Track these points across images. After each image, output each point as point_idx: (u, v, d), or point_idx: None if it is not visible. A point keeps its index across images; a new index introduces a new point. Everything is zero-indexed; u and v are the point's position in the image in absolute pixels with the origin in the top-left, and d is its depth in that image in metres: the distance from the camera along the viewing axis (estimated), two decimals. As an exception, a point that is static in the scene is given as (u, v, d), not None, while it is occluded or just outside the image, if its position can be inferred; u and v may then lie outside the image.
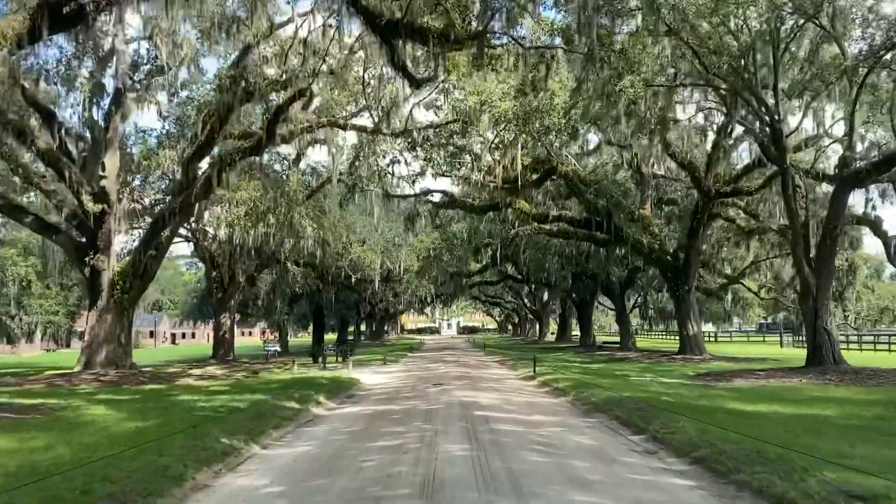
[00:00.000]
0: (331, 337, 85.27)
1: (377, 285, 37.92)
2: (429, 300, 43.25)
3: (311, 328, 55.19)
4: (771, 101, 20.62)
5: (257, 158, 30.27)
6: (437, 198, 30.31)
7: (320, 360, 29.63)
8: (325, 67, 20.60)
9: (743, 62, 20.07)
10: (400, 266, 39.91)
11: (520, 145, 25.60)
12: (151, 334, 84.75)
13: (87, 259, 21.24)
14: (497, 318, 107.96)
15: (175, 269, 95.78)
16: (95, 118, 22.93)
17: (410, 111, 25.10)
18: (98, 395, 16.03)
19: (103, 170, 20.92)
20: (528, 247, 38.39)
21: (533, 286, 54.45)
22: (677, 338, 58.32)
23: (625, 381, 19.10)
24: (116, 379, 19.52)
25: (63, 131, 21.95)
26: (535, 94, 20.56)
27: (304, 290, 38.70)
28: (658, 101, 23.00)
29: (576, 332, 66.43)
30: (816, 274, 21.23)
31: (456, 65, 17.91)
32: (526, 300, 70.94)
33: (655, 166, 33.77)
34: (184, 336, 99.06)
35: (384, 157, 28.06)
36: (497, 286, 67.95)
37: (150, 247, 22.08)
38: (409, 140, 27.50)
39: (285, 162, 33.57)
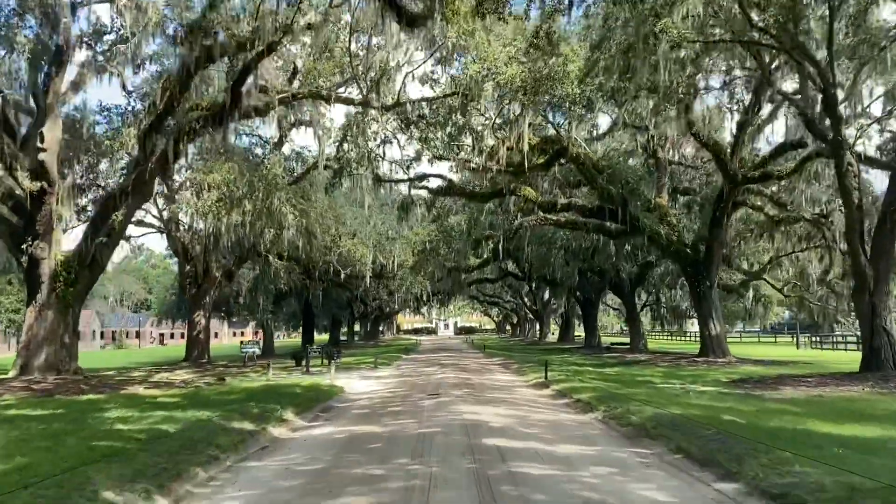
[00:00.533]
0: (322, 338, 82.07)
1: (369, 282, 34.69)
2: (425, 298, 40.06)
3: (302, 328, 51.98)
4: (823, 62, 17.48)
5: (231, 139, 27.11)
6: (433, 184, 27.12)
7: (303, 363, 26.39)
8: (302, 21, 17.37)
9: (792, 15, 16.91)
10: (393, 261, 36.69)
11: (527, 121, 22.42)
12: (137, 335, 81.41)
13: (24, 246, 17.97)
14: (495, 319, 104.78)
15: (167, 267, 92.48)
16: (40, 85, 19.65)
17: (403, 81, 21.91)
18: (11, 409, 12.78)
19: (41, 141, 17.63)
20: (532, 240, 35.30)
21: (535, 284, 51.26)
22: (687, 339, 55.45)
23: (654, 390, 15.94)
24: (52, 387, 16.26)
25: (0, 99, 18.70)
26: (549, 48, 17.34)
27: (289, 286, 35.47)
28: (685, 68, 19.85)
29: (578, 332, 63.30)
30: (874, 265, 18.11)
31: (455, 11, 14.71)
32: (526, 299, 67.76)
33: (672, 152, 30.68)
34: (172, 336, 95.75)
35: (375, 137, 24.82)
36: (496, 284, 64.86)
37: (100, 232, 18.83)
38: (403, 118, 24.28)
39: (267, 146, 30.35)
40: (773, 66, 21.63)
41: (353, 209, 38.37)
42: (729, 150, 26.39)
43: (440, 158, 25.75)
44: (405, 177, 26.11)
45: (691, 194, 32.55)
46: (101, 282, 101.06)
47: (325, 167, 29.03)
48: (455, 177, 27.35)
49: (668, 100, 19.84)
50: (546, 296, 64.26)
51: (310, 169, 31.52)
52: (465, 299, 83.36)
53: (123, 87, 24.85)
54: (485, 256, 30.85)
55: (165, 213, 28.23)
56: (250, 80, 18.12)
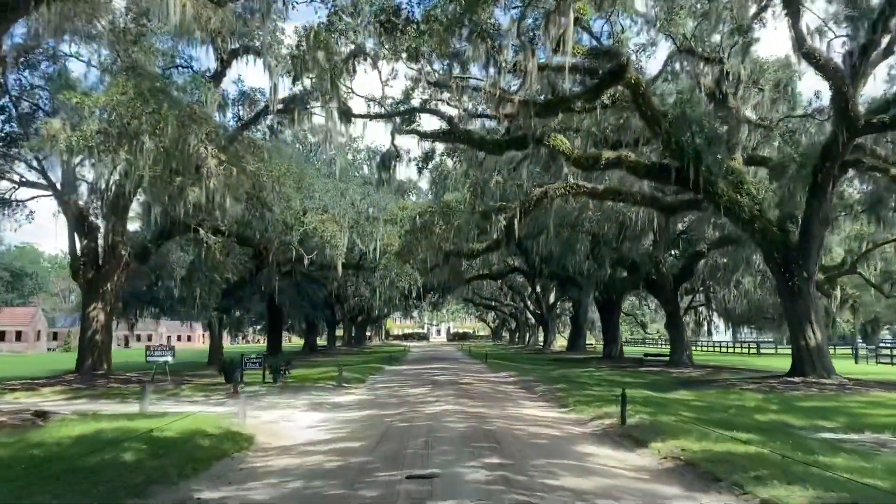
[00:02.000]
0: (296, 343, 73.34)
1: (341, 272, 26.20)
2: (414, 295, 31.63)
3: (267, 332, 43.30)
4: None
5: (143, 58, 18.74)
6: (428, 127, 18.69)
7: (237, 379, 17.83)
8: None
9: None
10: (375, 247, 28.20)
11: (572, 12, 14.13)
12: (150, 337, 72.51)
13: None
14: (491, 325, 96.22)
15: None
16: None
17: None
18: None
19: None
20: (553, 220, 27.08)
21: (547, 281, 42.90)
22: (740, 349, 46.32)
23: (827, 447, 7.69)
24: None
25: None
26: None
27: (243, 276, 27.00)
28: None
29: (587, 340, 54.73)
30: None
31: None
32: (529, 301, 59.36)
33: (746, 95, 22.51)
34: (150, 338, 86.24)
35: (343, 46, 16.44)
36: (496, 284, 56.52)
37: None
38: (385, 19, 15.94)
39: (202, 79, 21.88)
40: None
41: (323, 179, 29.92)
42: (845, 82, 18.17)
43: (437, 86, 17.39)
44: (384, 110, 17.70)
45: (763, 164, 24.31)
46: (43, 274, 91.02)
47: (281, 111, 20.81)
48: (458, 113, 18.87)
49: None
50: (552, 298, 55.92)
51: (259, 114, 23.09)
52: (459, 302, 74.83)
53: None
54: (495, 236, 22.44)
55: (49, 165, 19.68)
56: None
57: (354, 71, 17.65)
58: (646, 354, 31.54)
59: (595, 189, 21.82)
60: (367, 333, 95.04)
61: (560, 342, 60.14)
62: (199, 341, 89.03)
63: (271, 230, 25.01)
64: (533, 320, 63.91)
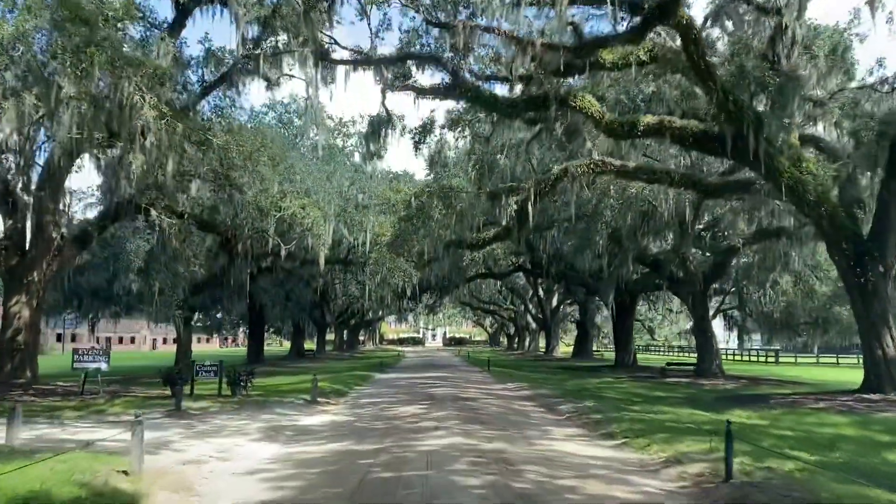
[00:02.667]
0: (278, 348, 69.37)
1: (324, 267, 22.41)
2: (408, 294, 27.83)
3: (248, 335, 39.41)
4: None
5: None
6: (426, 81, 14.92)
7: (189, 390, 14.00)
8: None
9: None
10: (365, 236, 24.45)
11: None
12: (73, 338, 68.24)
13: None
14: (488, 329, 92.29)
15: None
16: None
17: None
18: None
19: None
20: (573, 203, 23.51)
21: (553, 282, 39.21)
22: (771, 358, 42.15)
23: None
24: None
25: None
26: None
27: (206, 267, 23.21)
28: None
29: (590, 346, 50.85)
30: None
31: None
32: (530, 305, 55.62)
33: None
34: (165, 342, 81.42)
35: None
36: (499, 284, 52.84)
37: None
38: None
39: (156, 31, 18.13)
40: None
41: (306, 162, 26.21)
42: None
43: (438, 26, 13.67)
44: (368, 54, 13.96)
45: (816, 143, 20.65)
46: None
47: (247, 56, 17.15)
48: (465, 65, 15.09)
49: None
50: (554, 301, 52.21)
51: (224, 76, 19.31)
52: (456, 306, 70.99)
53: None
54: (504, 223, 18.69)
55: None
56: None
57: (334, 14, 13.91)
58: (668, 363, 27.84)
59: (624, 167, 18.08)
60: (361, 338, 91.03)
61: (562, 348, 56.36)
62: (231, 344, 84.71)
63: (243, 216, 21.25)
64: (534, 325, 60.14)
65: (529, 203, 18.07)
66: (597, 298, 46.67)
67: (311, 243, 21.85)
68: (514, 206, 19.07)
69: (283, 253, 21.61)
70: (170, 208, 18.18)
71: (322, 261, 21.84)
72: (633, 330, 36.47)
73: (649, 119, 15.73)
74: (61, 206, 16.89)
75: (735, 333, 32.29)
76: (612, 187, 23.15)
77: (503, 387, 20.42)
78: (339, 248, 28.09)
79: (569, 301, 54.17)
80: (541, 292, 50.88)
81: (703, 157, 22.68)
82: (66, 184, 18.19)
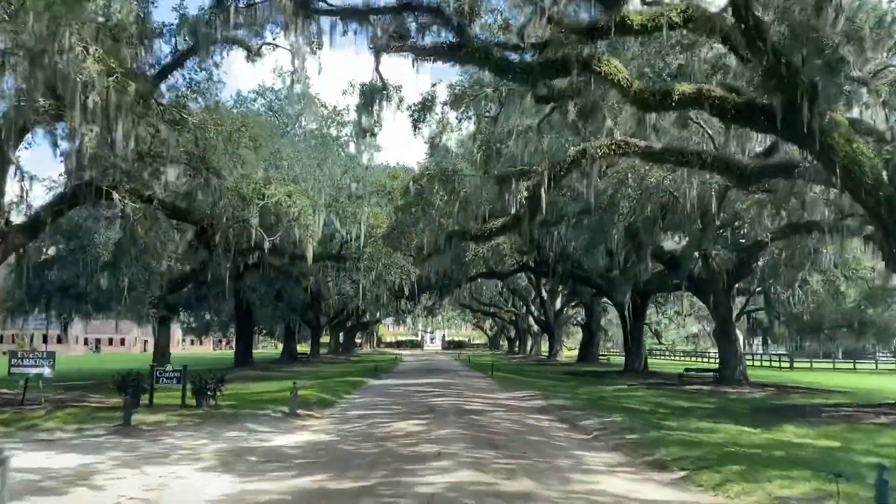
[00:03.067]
0: (273, 351, 67.07)
1: (312, 261, 20.12)
2: (406, 293, 25.55)
3: (236, 337, 37.07)
4: None
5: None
6: (426, 40, 12.68)
7: (131, 403, 11.73)
8: None
9: None
10: (359, 229, 22.22)
11: None
12: (58, 339, 65.69)
13: None
14: (488, 332, 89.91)
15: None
16: None
17: None
18: None
19: None
20: (572, 201, 21.53)
21: (559, 281, 36.98)
22: (795, 364, 39.53)
23: None
24: None
25: None
26: None
27: (183, 260, 20.99)
28: None
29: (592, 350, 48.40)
30: None
31: None
32: (533, 307, 53.34)
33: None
34: (108, 342, 78.75)
35: None
36: (500, 285, 50.64)
37: None
38: None
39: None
40: None
41: (295, 147, 23.98)
42: None
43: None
44: (359, 7, 11.74)
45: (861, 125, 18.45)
46: None
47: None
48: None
49: None
50: (558, 303, 49.96)
51: (197, 46, 17.05)
52: (455, 308, 68.66)
53: None
54: (514, 212, 16.45)
55: None
56: None
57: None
58: (687, 369, 25.60)
59: (650, 148, 15.82)
60: (358, 340, 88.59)
61: (565, 352, 54.08)
62: (177, 346, 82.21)
63: (222, 204, 19.00)
64: (535, 328, 57.85)
65: (543, 188, 15.82)
66: (603, 300, 44.53)
67: (299, 236, 19.63)
68: (525, 193, 16.86)
69: (266, 245, 19.33)
70: (135, 192, 15.93)
71: (311, 255, 19.58)
72: (644, 333, 34.25)
73: (686, 87, 13.48)
74: (6, 188, 14.62)
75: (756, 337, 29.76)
76: (629, 176, 20.98)
77: (511, 395, 18.15)
78: (331, 242, 25.86)
79: (573, 303, 51.96)
80: (544, 294, 48.63)
81: (729, 145, 20.60)
82: (27, 166, 15.91)
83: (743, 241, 23.92)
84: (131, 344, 75.56)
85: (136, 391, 12.28)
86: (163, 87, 17.76)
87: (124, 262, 19.18)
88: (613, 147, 15.56)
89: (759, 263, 23.19)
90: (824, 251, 22.92)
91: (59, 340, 66.76)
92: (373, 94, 13.97)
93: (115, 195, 15.47)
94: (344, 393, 17.49)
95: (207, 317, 40.64)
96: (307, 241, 19.40)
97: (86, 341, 72.87)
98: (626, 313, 28.37)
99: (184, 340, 79.23)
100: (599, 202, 22.03)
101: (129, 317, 23.92)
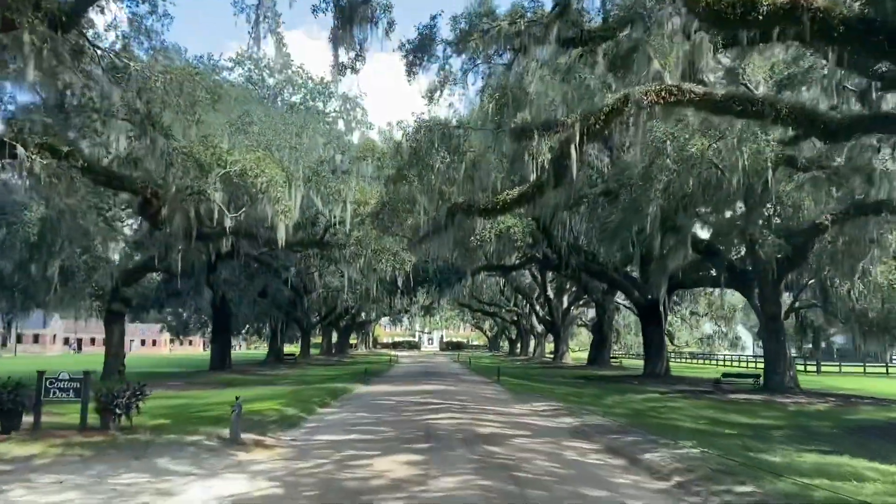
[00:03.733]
0: (264, 352, 63.36)
1: (284, 243, 16.43)
2: (400, 287, 21.80)
3: (212, 334, 33.24)
4: None
5: None
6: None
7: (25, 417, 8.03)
8: None
9: None
10: (345, 207, 18.55)
11: None
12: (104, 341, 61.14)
13: None
14: (488, 333, 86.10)
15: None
16: None
17: None
18: None
19: None
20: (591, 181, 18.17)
21: (567, 277, 33.35)
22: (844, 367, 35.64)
23: None
24: None
25: None
26: None
27: (132, 245, 17.31)
28: None
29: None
30: None
31: None
32: (537, 306, 49.67)
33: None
34: (143, 343, 74.15)
35: None
36: (502, 283, 47.21)
37: None
38: None
39: None
40: None
41: (269, 111, 20.33)
42: None
43: None
44: None
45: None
46: None
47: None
48: None
49: None
50: (565, 302, 46.33)
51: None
52: (454, 307, 64.90)
53: None
54: (532, 179, 12.80)
55: None
56: None
57: None
58: (724, 374, 21.90)
59: (710, 95, 12.19)
60: (353, 341, 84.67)
61: (572, 354, 50.39)
62: (163, 346, 78.21)
63: (175, 171, 15.33)
64: (539, 329, 54.14)
65: (573, 146, 12.19)
66: (616, 298, 40.92)
67: (270, 214, 15.99)
68: (548, 155, 13.22)
69: (228, 223, 15.66)
70: (48, 147, 12.24)
71: (283, 236, 15.90)
72: (665, 334, 30.63)
73: (778, -5, 9.88)
74: None
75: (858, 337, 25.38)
76: (668, 143, 17.41)
77: (529, 409, 14.46)
78: (313, 227, 22.19)
79: (580, 302, 48.31)
80: (549, 291, 44.99)
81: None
82: None
83: (792, 224, 20.29)
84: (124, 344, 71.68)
85: (11, 409, 8.59)
86: (100, 26, 14.19)
87: (54, 242, 15.51)
88: (663, 93, 11.88)
89: (813, 251, 19.55)
90: (890, 236, 19.34)
91: (37, 340, 62.94)
92: (352, 12, 10.32)
93: (21, 149, 11.81)
94: (319, 405, 13.79)
95: (186, 315, 36.82)
96: (278, 220, 15.73)
97: (66, 340, 68.92)
98: (663, 308, 24.77)
99: (173, 341, 75.24)
100: (629, 177, 18.51)
101: (63, 311, 20.17)
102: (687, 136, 17.12)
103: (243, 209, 16.04)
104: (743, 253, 21.70)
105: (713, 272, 23.29)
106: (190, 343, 78.63)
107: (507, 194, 13.71)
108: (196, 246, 19.49)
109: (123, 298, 20.91)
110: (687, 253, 18.53)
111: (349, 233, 19.58)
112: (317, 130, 19.42)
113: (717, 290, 41.74)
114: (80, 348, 68.48)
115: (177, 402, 13.83)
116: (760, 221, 20.08)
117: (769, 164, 16.25)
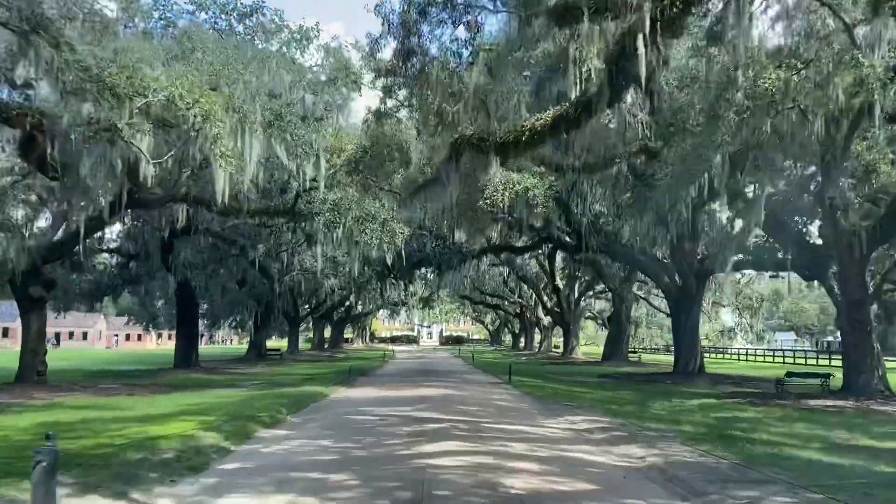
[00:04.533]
0: (232, 348, 59.00)
1: (225, 198, 12.10)
2: (393, 269, 17.41)
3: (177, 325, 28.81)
4: None
5: None
6: None
7: None
8: None
9: None
10: (318, 162, 14.23)
11: None
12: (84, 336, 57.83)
13: None
14: (489, 327, 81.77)
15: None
16: None
17: None
18: None
19: None
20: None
21: (588, 262, 29.04)
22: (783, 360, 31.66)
23: None
24: None
25: None
26: None
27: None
28: None
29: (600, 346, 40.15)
30: None
31: None
32: (545, 296, 45.36)
33: None
34: (127, 338, 69.95)
35: None
36: (506, 274, 42.98)
37: None
38: None
39: None
40: None
41: (225, 41, 15.87)
42: None
43: None
44: None
45: None
46: None
47: None
48: None
49: None
50: (576, 292, 42.03)
51: None
52: (454, 299, 60.58)
53: None
54: (581, 89, 8.48)
55: None
56: None
57: None
58: (789, 373, 17.70)
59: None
60: (349, 335, 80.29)
61: (582, 349, 46.07)
62: (150, 341, 73.68)
63: (71, 96, 10.96)
64: (546, 321, 49.81)
65: (640, 38, 7.90)
66: (636, 285, 36.69)
67: (207, 160, 11.71)
68: (597, 63, 8.90)
69: (147, 170, 11.29)
70: None
71: (222, 187, 11.53)
72: (699, 325, 26.35)
73: None
74: None
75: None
76: (739, 72, 13.11)
77: (568, 427, 10.12)
78: (283, 195, 17.81)
79: (592, 292, 44.07)
80: (558, 280, 40.69)
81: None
82: None
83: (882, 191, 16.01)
84: (95, 338, 67.15)
85: None
86: None
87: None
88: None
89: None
90: None
91: (6, 333, 58.54)
92: None
93: None
94: (266, 424, 9.46)
95: (151, 304, 32.41)
96: (217, 166, 11.38)
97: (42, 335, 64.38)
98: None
99: (160, 335, 70.92)
100: (685, 118, 14.19)
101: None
102: (758, 68, 12.89)
103: (170, 153, 11.69)
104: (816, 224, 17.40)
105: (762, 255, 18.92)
106: (170, 338, 74.30)
107: (538, 119, 9.35)
108: (139, 215, 15.18)
109: (45, 281, 16.58)
110: (760, 217, 14.17)
111: (324, 197, 15.23)
112: (281, 65, 14.98)
113: (743, 277, 37.54)
114: (58, 343, 63.49)
115: (60, 419, 9.51)
116: (842, 182, 15.84)
117: (875, 96, 11.94)
